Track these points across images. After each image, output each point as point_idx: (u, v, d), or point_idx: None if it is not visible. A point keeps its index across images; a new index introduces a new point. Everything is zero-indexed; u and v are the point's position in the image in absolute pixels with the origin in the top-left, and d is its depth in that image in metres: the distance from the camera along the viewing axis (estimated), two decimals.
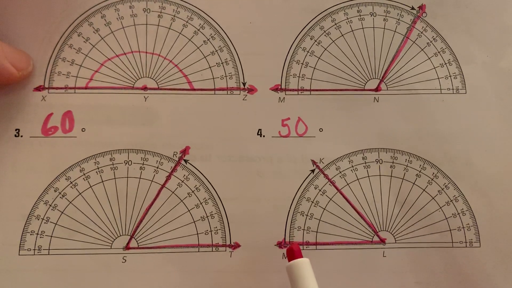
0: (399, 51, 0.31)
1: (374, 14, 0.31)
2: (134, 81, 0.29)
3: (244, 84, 0.30)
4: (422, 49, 0.31)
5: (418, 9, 0.31)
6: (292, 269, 0.24)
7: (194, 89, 0.30)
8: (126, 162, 0.28)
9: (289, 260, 0.24)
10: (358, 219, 0.29)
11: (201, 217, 0.28)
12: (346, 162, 0.29)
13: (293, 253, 0.24)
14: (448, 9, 0.31)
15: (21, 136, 0.28)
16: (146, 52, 0.30)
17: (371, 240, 0.29)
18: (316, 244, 0.28)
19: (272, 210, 0.28)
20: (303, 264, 0.24)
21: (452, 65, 0.31)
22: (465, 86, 0.30)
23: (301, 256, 0.24)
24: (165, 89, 0.29)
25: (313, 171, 0.29)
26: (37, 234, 0.27)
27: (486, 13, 0.31)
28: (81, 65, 0.29)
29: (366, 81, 0.30)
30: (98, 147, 0.28)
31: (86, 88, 0.29)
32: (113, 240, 0.28)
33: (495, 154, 0.30)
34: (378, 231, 0.29)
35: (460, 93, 0.30)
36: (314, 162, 0.29)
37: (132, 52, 0.30)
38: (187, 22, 0.30)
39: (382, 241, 0.29)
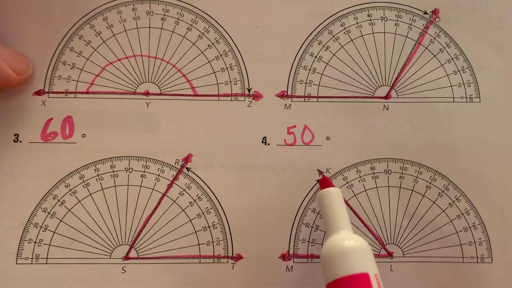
0: (410, 57, 0.30)
1: (385, 19, 0.30)
2: (136, 86, 0.29)
3: (249, 90, 0.29)
4: (434, 56, 0.30)
5: (431, 13, 0.30)
6: (324, 197, 0.25)
7: (198, 95, 0.29)
8: (126, 169, 0.28)
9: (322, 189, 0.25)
10: (365, 232, 0.28)
11: (202, 227, 0.27)
12: (353, 172, 0.28)
13: (326, 182, 0.25)
14: (463, 14, 0.30)
15: (20, 141, 0.28)
16: (149, 56, 0.29)
17: (378, 253, 0.28)
18: None
19: (276, 221, 0.28)
20: (335, 192, 0.25)
21: (465, 73, 0.30)
22: (479, 94, 0.29)
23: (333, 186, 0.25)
24: (168, 94, 0.29)
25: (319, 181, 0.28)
26: (35, 242, 0.27)
27: (502, 18, 0.30)
28: (82, 69, 0.28)
29: (376, 88, 0.29)
30: (99, 153, 0.28)
31: (87, 92, 0.28)
32: (112, 249, 0.27)
33: (509, 166, 0.28)
34: (385, 244, 0.28)
35: (474, 102, 0.29)
36: (320, 172, 0.28)
37: (134, 56, 0.29)
38: (191, 25, 0.29)
39: (390, 254, 0.28)
